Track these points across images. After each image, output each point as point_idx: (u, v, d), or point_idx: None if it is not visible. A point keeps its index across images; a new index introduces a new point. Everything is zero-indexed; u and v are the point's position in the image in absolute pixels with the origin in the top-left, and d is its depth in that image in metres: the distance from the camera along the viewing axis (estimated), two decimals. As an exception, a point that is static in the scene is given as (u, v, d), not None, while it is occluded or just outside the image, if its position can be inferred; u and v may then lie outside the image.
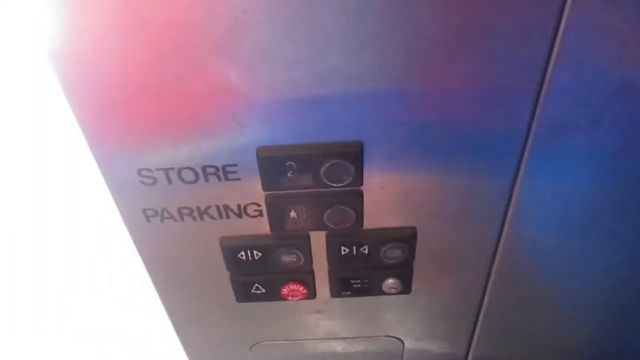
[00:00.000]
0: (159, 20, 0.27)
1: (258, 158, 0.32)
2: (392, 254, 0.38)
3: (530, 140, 0.32)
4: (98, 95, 0.30)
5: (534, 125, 0.31)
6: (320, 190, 0.34)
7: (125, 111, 0.31)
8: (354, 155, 0.32)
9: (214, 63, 0.28)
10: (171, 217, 0.36)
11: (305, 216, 0.35)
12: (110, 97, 0.30)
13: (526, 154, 0.33)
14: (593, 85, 0.30)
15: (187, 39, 0.27)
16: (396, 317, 0.47)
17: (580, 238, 0.39)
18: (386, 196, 0.35)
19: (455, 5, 0.26)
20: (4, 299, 0.56)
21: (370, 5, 0.26)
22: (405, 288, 0.41)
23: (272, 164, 0.32)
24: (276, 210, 0.35)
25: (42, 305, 0.57)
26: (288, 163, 0.32)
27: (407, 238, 0.37)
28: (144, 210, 0.36)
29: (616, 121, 0.31)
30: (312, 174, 0.33)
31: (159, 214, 0.36)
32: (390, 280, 0.40)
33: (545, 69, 0.29)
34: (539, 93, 0.30)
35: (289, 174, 0.33)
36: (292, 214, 0.35)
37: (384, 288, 0.41)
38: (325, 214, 0.35)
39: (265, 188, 0.34)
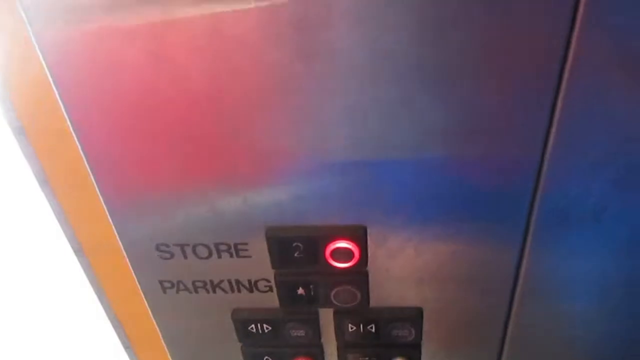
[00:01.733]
0: (174, 109, 0.30)
1: (267, 238, 0.34)
2: (399, 333, 0.38)
3: (532, 227, 0.33)
4: (121, 177, 0.33)
5: (534, 213, 0.32)
6: (327, 269, 0.35)
7: (146, 191, 0.33)
8: (357, 239, 0.33)
9: (223, 149, 0.31)
10: (186, 289, 0.38)
11: (312, 294, 0.37)
12: (132, 180, 0.33)
13: (529, 239, 0.33)
14: (592, 176, 0.31)
15: (200, 127, 0.30)
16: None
17: (591, 311, 0.38)
18: (392, 276, 0.36)
19: (456, 101, 0.28)
20: None
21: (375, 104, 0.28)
22: (415, 368, 0.41)
23: (280, 243, 0.34)
24: (285, 287, 0.37)
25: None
26: (295, 244, 0.34)
27: (413, 318, 0.38)
28: (161, 282, 0.38)
29: (620, 213, 0.32)
30: (318, 255, 0.34)
31: (174, 286, 0.38)
32: (399, 360, 0.40)
33: (542, 158, 0.30)
34: (537, 182, 0.31)
35: (296, 254, 0.34)
36: (300, 291, 0.37)
37: (392, 367, 0.41)
38: (332, 293, 0.36)
39: (274, 265, 0.36)
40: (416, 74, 0.27)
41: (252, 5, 0.26)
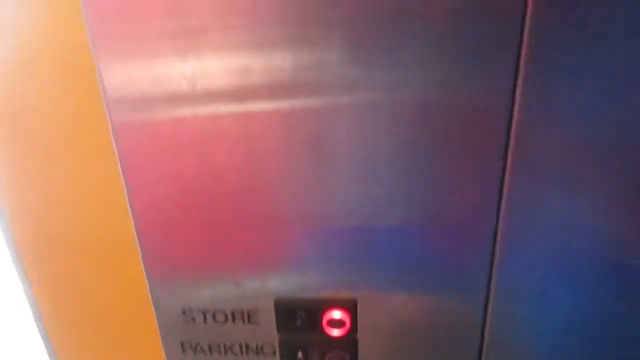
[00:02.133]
0: (209, 200, 0.38)
1: (275, 307, 0.41)
2: (383, 396, 0.44)
3: (491, 295, 0.40)
4: (163, 253, 0.41)
5: (492, 285, 0.40)
6: (323, 336, 0.42)
7: (181, 266, 0.41)
8: (349, 310, 0.41)
9: (247, 237, 0.39)
10: (202, 350, 0.45)
11: (310, 357, 0.43)
12: (171, 255, 0.41)
13: (490, 306, 0.41)
14: (535, 264, 0.39)
15: (231, 217, 0.39)
16: None
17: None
18: (377, 343, 0.43)
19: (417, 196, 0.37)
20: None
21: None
22: None
23: (285, 312, 0.41)
24: (287, 350, 0.43)
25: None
26: (298, 313, 0.41)
27: (395, 383, 0.44)
28: (182, 343, 0.44)
29: (559, 294, 0.40)
30: (316, 323, 0.41)
31: (193, 347, 0.45)
32: (382, 422, 0.46)
33: (494, 245, 0.38)
34: (492, 261, 0.39)
35: (298, 322, 0.42)
36: (300, 354, 0.43)
37: None
38: (327, 356, 0.43)
39: (279, 330, 0.43)
40: (399, 164, 0.36)
41: (273, 107, 0.35)
